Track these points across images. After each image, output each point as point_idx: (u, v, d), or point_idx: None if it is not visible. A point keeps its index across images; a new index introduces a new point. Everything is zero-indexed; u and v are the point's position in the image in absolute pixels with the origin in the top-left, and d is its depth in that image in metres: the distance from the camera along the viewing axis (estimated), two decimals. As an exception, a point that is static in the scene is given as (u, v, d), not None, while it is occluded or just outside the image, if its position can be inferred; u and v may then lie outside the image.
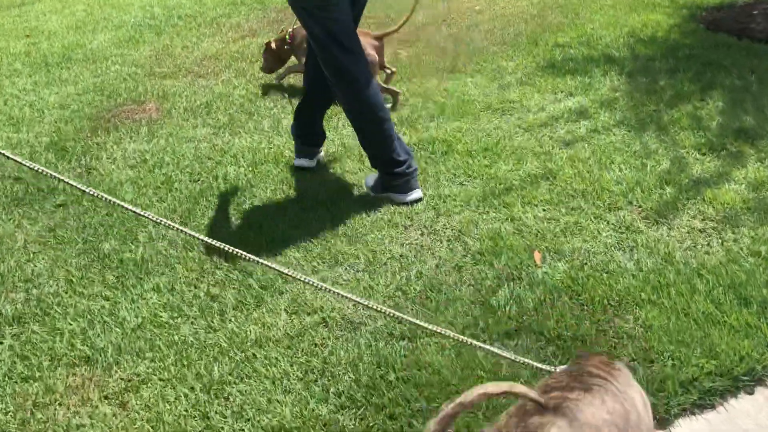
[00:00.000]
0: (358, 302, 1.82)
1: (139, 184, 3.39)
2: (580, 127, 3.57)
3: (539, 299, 2.30)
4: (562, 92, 4.05)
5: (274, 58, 4.68)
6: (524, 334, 2.17)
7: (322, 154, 3.49)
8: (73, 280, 2.65)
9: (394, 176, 2.94)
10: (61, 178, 1.78)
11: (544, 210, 2.84)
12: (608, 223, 2.71)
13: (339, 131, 3.79)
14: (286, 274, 1.86)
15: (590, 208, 2.81)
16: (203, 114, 4.22)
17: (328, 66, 2.85)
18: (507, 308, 2.26)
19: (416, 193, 2.98)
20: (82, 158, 3.76)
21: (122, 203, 1.78)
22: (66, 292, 2.59)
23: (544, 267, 2.47)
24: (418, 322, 1.74)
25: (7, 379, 2.18)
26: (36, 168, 1.69)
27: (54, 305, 2.52)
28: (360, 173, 3.29)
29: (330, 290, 1.74)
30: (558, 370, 1.46)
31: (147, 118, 4.26)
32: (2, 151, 1.74)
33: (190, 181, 3.40)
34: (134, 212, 1.81)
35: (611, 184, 2.96)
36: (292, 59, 4.64)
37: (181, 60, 5.17)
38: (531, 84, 4.21)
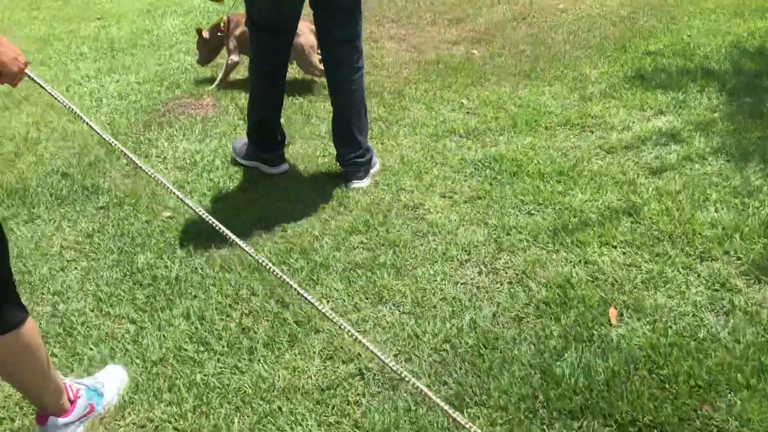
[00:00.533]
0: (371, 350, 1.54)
1: (186, 189, 3.20)
2: (670, 153, 3.16)
3: (612, 370, 1.96)
4: (651, 109, 3.63)
5: (207, 48, 4.45)
6: (591, 414, 1.84)
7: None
8: (102, 297, 2.48)
9: (265, 151, 3.25)
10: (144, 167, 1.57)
11: (623, 253, 2.48)
12: (699, 275, 2.33)
13: (399, 141, 3.50)
14: (322, 312, 1.61)
15: (678, 256, 2.43)
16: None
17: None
18: (573, 379, 1.94)
19: (284, 167, 3.29)
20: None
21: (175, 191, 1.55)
22: (92, 311, 2.42)
23: (620, 327, 2.13)
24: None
25: (18, 408, 2.01)
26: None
27: (78, 325, 2.35)
28: (416, 192, 3.00)
29: (364, 344, 1.47)
30: None
31: (203, 114, 4.08)
32: (92, 125, 1.69)
33: (239, 189, 3.19)
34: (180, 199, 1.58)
35: (704, 227, 2.56)
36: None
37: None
38: (616, 97, 3.80)
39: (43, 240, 2.88)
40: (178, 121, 3.99)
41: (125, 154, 1.76)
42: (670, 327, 2.11)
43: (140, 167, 1.76)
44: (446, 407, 1.58)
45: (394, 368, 1.60)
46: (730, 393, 1.87)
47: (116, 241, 2.83)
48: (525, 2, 5.75)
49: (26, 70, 1.63)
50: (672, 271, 2.36)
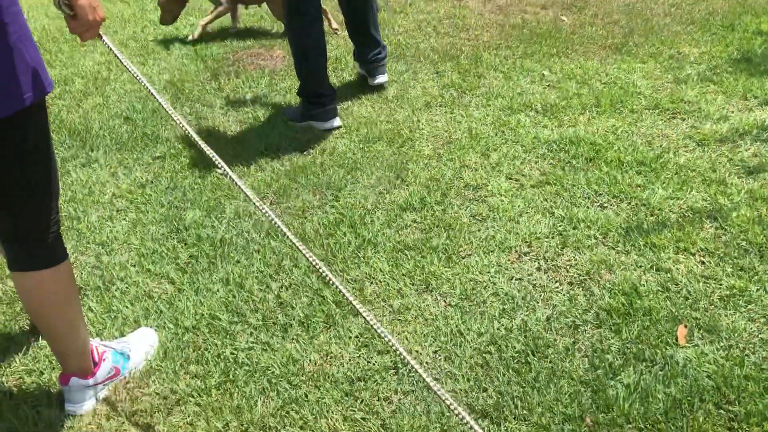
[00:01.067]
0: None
1: (241, 147, 3.10)
2: (771, 151, 2.82)
3: (674, 398, 1.75)
4: (755, 98, 3.26)
5: (169, 4, 4.24)
6: (643, 448, 1.65)
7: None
8: (145, 253, 2.43)
9: (316, 105, 3.16)
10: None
11: (702, 263, 2.22)
12: (789, 298, 2.06)
13: (470, 112, 3.28)
14: (352, 302, 1.47)
15: (766, 272, 2.16)
16: (331, 69, 3.85)
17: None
18: (627, 404, 1.74)
19: (336, 122, 3.20)
20: (195, 104, 3.55)
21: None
22: (134, 266, 2.37)
23: (689, 349, 1.90)
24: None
25: (48, 362, 1.99)
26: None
27: (117, 280, 2.30)
28: (480, 170, 2.80)
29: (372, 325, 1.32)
30: None
31: (271, 66, 3.96)
32: (147, 85, 1.60)
33: (295, 150, 3.07)
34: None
35: (802, 242, 2.27)
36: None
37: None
38: (716, 82, 3.43)
39: (97, 186, 2.85)
40: (245, 72, 3.89)
41: (177, 121, 1.64)
42: (747, 356, 1.87)
43: (189, 133, 1.64)
44: (454, 405, 1.41)
45: (399, 349, 1.43)
46: (809, 444, 1.64)
47: (168, 194, 2.77)
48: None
49: (100, 32, 1.54)
50: (757, 290, 2.09)
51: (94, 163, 3.02)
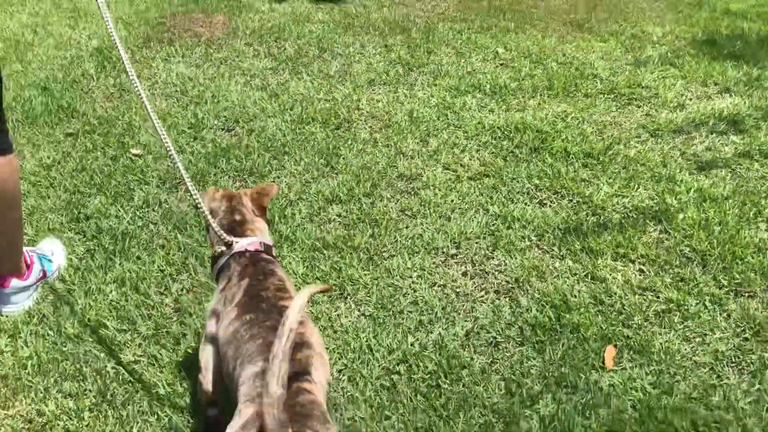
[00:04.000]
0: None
1: (165, 122, 2.86)
2: (726, 145, 2.65)
3: (592, 433, 1.59)
4: (715, 85, 3.07)
5: None
6: (553, 492, 1.48)
7: None
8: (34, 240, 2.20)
9: None
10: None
11: (641, 272, 2.05)
12: (729, 316, 1.90)
13: (414, 92, 3.05)
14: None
15: (708, 285, 1.99)
16: (269, 40, 3.59)
17: None
18: (540, 439, 1.57)
19: None
20: (120, 74, 3.28)
21: None
22: (23, 261, 2.14)
23: (616, 373, 1.73)
24: None
25: None
26: None
27: None
28: (417, 159, 2.59)
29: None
30: None
31: (209, 35, 3.69)
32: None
33: (221, 129, 2.83)
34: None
35: (749, 249, 2.10)
36: None
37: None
38: (677, 65, 3.24)
39: None
40: (181, 39, 3.61)
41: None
42: (678, 383, 1.71)
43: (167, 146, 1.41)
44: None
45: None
46: (734, 490, 1.48)
47: (74, 177, 2.53)
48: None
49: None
50: (696, 305, 1.93)
51: None
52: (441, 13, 3.88)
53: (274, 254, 1.54)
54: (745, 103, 2.90)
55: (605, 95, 3.02)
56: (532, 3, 3.95)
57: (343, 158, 2.61)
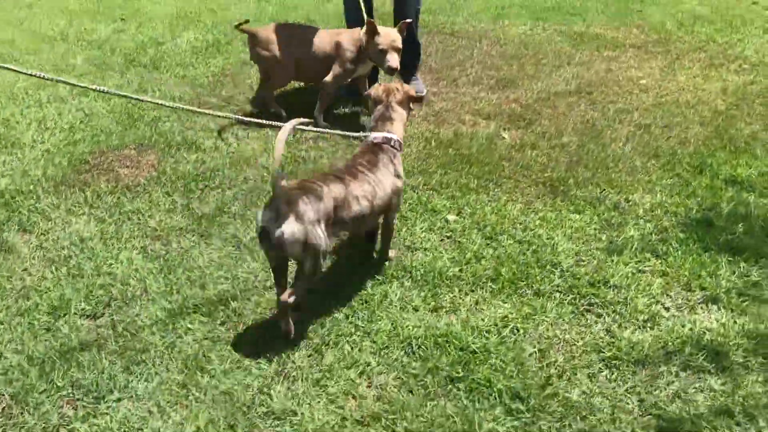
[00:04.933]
0: None
1: (27, 302, 2.39)
2: (701, 391, 2.02)
3: None
4: (702, 290, 2.48)
5: None
6: None
7: None
8: None
9: None
10: None
11: None
12: None
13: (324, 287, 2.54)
14: None
15: None
16: (195, 188, 3.16)
17: None
18: None
19: None
20: (11, 229, 2.86)
21: None
22: None
23: None
24: None
25: None
26: None
27: None
28: (301, 381, 2.04)
29: None
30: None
31: (130, 179, 3.27)
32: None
33: (86, 317, 2.35)
34: None
35: None
36: None
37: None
38: (659, 254, 2.66)
39: None
40: (96, 183, 3.21)
41: None
42: None
43: None
44: None
45: None
46: None
47: None
48: (599, 69, 4.57)
49: None
50: None
51: None
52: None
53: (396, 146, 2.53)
54: (735, 323, 2.29)
55: (561, 295, 2.44)
56: (507, 153, 3.44)
57: (210, 375, 2.09)
